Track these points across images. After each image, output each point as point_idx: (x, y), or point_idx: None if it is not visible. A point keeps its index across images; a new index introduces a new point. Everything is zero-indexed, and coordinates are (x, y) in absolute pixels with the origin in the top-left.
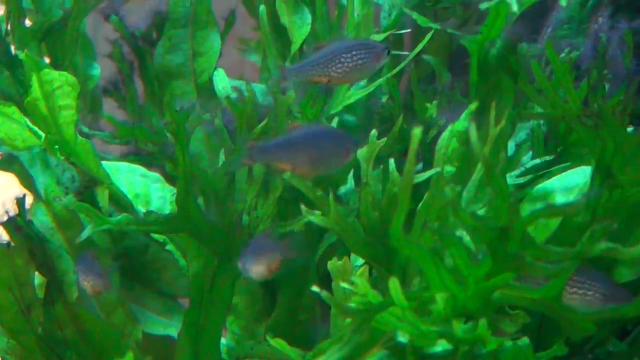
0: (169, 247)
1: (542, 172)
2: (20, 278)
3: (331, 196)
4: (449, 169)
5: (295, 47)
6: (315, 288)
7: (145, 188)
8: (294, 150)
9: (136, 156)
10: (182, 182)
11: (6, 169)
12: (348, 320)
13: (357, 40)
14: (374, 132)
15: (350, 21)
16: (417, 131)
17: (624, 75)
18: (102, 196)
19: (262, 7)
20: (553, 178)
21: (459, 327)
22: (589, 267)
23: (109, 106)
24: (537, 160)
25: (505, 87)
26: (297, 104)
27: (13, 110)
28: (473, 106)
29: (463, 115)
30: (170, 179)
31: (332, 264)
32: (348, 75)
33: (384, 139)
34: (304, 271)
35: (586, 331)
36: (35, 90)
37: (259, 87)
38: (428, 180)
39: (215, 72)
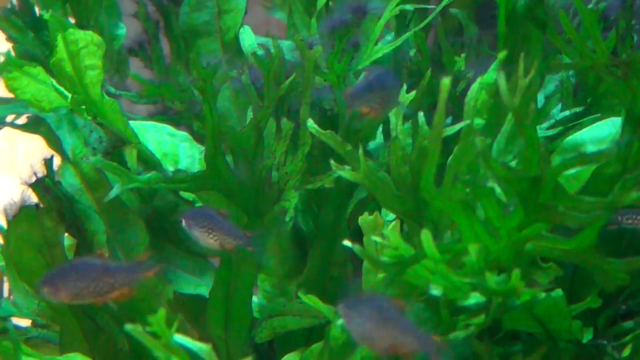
0: (199, 205)
1: (572, 124)
2: (49, 239)
3: (361, 151)
4: (479, 121)
5: (321, 3)
6: (347, 242)
7: (173, 147)
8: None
9: (163, 115)
10: (210, 139)
11: (34, 131)
12: (380, 275)
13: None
14: (402, 86)
15: None
16: (446, 81)
17: None
18: (131, 156)
19: None
20: (583, 130)
21: (492, 279)
22: None
23: (135, 66)
24: (567, 112)
25: (533, 39)
26: (324, 59)
27: (39, 71)
28: (502, 55)
29: (492, 67)
30: (198, 138)
31: (363, 219)
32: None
33: (413, 93)
34: (335, 227)
35: (620, 282)
36: (61, 51)
37: (285, 44)
38: (458, 134)
39: (241, 30)
